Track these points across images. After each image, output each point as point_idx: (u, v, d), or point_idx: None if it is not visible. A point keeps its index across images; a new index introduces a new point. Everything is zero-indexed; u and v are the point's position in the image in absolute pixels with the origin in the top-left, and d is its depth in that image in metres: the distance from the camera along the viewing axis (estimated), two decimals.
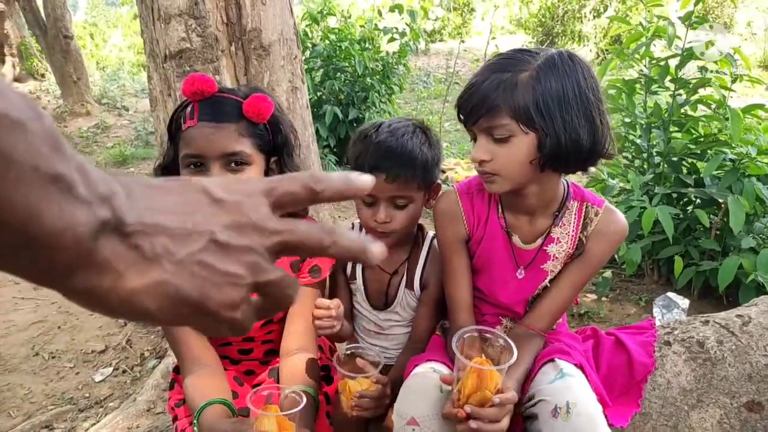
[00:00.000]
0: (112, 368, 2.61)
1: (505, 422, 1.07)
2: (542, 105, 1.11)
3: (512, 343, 1.10)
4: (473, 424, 1.04)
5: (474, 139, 1.21)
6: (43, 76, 9.03)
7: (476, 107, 1.15)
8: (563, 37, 11.06)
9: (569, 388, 1.13)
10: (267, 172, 1.28)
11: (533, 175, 1.19)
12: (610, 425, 1.26)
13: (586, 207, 1.31)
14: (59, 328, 2.94)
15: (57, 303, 3.16)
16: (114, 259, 0.35)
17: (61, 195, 0.32)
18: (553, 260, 1.32)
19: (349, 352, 1.29)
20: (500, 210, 1.34)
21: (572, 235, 1.31)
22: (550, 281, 1.34)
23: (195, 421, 1.20)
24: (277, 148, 1.28)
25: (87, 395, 2.43)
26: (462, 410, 1.04)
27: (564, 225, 1.31)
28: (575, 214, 1.31)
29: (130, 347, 2.75)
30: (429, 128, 1.42)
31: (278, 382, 1.39)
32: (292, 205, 0.44)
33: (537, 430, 1.15)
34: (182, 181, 0.41)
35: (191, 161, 1.19)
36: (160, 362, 2.52)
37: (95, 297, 0.36)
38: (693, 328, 1.57)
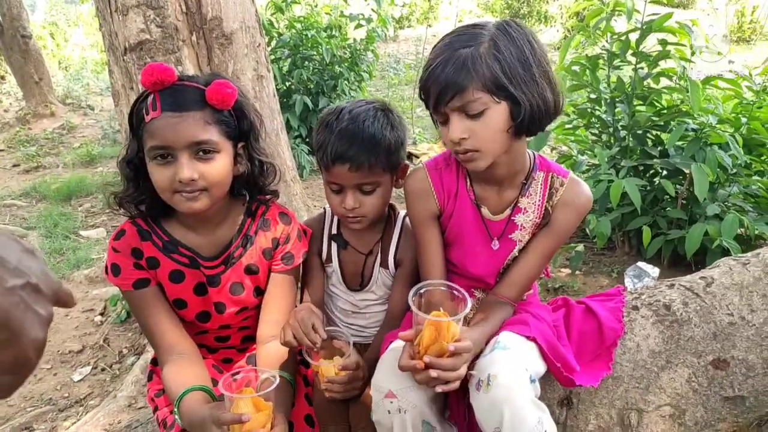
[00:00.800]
0: (90, 367, 2.58)
1: (462, 370, 1.11)
2: (509, 71, 1.14)
3: (466, 294, 1.14)
4: (433, 373, 1.07)
5: (443, 122, 1.22)
6: (2, 78, 8.78)
7: (445, 89, 1.15)
8: (530, 18, 11.12)
9: (494, 361, 1.16)
10: (235, 158, 1.28)
11: (509, 143, 1.22)
12: (579, 386, 1.30)
13: (552, 177, 1.34)
14: None
15: None
16: None
17: None
18: (521, 230, 1.36)
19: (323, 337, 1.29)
20: (469, 183, 1.36)
21: (539, 205, 1.34)
22: (519, 251, 1.37)
23: (175, 409, 1.20)
24: (243, 133, 1.28)
25: (66, 395, 2.40)
26: (421, 361, 1.08)
27: (530, 195, 1.34)
28: (541, 184, 1.34)
29: (108, 345, 2.72)
30: (391, 109, 1.42)
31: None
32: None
33: (469, 403, 1.20)
34: None
35: (158, 152, 1.17)
36: (138, 358, 2.50)
37: None
38: (659, 292, 1.61)
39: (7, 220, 4.48)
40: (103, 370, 2.57)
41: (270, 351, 1.33)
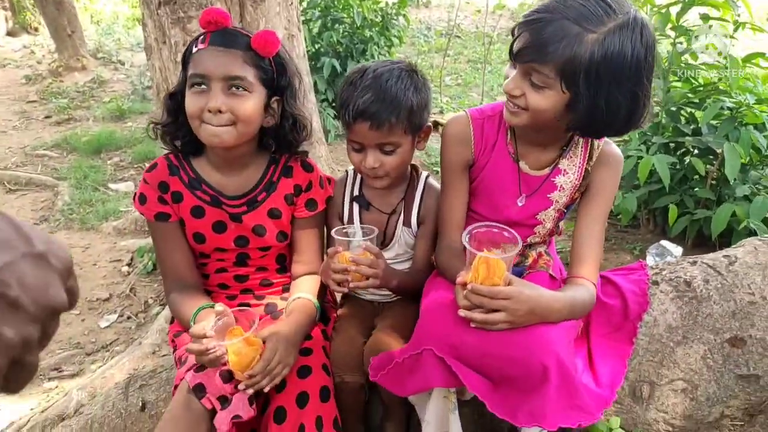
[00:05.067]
0: (117, 315, 2.68)
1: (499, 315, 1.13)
2: (593, 73, 1.10)
3: (516, 235, 1.17)
4: (479, 316, 1.13)
5: (513, 66, 1.21)
6: (36, 29, 8.86)
7: (529, 49, 1.12)
8: None
9: None
10: (267, 109, 1.34)
11: (555, 126, 1.22)
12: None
13: (592, 140, 1.34)
14: None
15: None
16: None
17: None
18: (559, 191, 1.36)
19: (345, 230, 1.39)
20: (509, 136, 1.36)
21: (579, 167, 1.35)
22: (564, 226, 1.39)
23: (192, 324, 1.29)
24: (279, 88, 1.35)
25: (93, 340, 2.51)
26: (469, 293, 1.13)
27: (572, 157, 1.35)
28: (582, 146, 1.35)
29: (134, 295, 2.82)
30: (416, 70, 1.42)
31: (274, 318, 1.45)
32: None
33: None
34: None
35: (196, 81, 1.26)
36: (163, 308, 2.58)
37: None
38: (681, 268, 1.61)
39: (39, 169, 4.60)
40: (128, 318, 2.66)
41: (304, 281, 1.46)
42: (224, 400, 1.22)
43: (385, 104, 1.32)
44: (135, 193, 1.42)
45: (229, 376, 1.22)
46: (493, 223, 1.23)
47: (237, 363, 1.16)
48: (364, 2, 5.14)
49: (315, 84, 4.63)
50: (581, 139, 1.34)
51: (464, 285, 1.15)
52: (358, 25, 5.03)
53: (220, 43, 1.26)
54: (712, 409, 1.47)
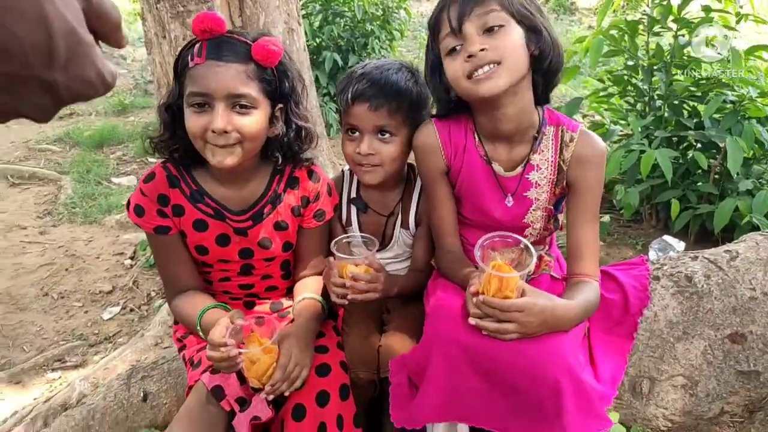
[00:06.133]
0: (119, 307, 2.69)
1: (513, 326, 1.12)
2: (527, 3, 1.19)
3: (530, 246, 1.15)
4: (491, 325, 1.12)
5: (453, 50, 1.21)
6: None
7: (466, 2, 1.17)
8: None
9: None
10: (271, 119, 1.28)
11: (525, 69, 1.21)
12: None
13: (562, 131, 1.32)
14: (66, 270, 3.01)
15: (64, 247, 3.23)
16: None
17: None
18: (536, 187, 1.34)
19: (346, 240, 1.38)
20: (477, 139, 1.35)
21: (551, 161, 1.32)
22: (564, 220, 1.37)
23: (198, 327, 1.29)
24: (283, 95, 1.28)
25: (96, 332, 2.52)
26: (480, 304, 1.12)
27: (542, 151, 1.32)
28: (552, 139, 1.32)
29: (137, 288, 2.83)
30: (417, 70, 1.42)
31: (281, 316, 1.45)
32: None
33: None
34: None
35: (196, 99, 1.18)
36: (165, 301, 2.59)
37: None
38: (682, 263, 1.60)
39: (42, 164, 4.61)
40: (131, 310, 2.67)
41: (308, 281, 1.45)
42: (243, 402, 1.22)
43: (384, 88, 1.33)
44: (128, 202, 1.33)
45: (244, 378, 1.21)
46: (506, 233, 1.21)
47: (254, 371, 1.16)
48: None
49: (316, 78, 4.63)
50: (551, 129, 1.31)
51: (476, 294, 1.13)
52: (359, 18, 5.02)
53: (218, 57, 1.17)
54: (712, 405, 1.48)
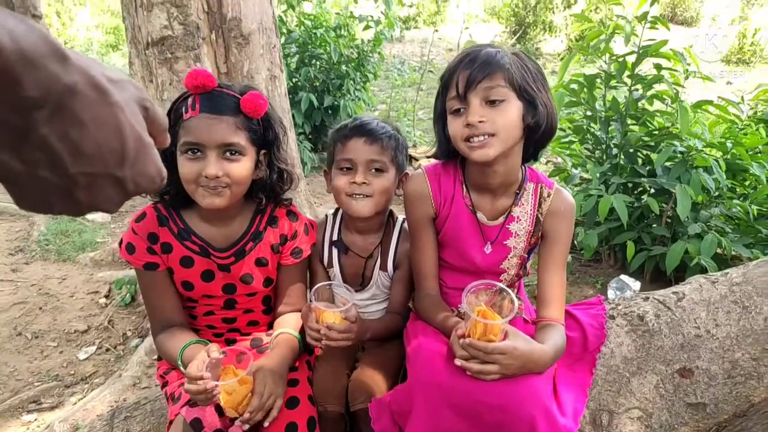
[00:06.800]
0: (95, 347, 2.69)
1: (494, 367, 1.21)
2: (530, 78, 1.31)
3: (513, 294, 1.26)
4: (475, 366, 1.21)
5: (456, 112, 1.33)
6: None
7: (476, 71, 1.28)
8: (535, 28, 11.24)
9: None
10: (257, 164, 1.41)
11: (518, 140, 1.35)
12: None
13: (541, 188, 1.47)
14: (40, 309, 3.00)
15: (37, 285, 3.22)
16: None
17: None
18: (515, 237, 1.48)
19: (327, 286, 1.50)
20: (465, 190, 1.48)
21: (531, 214, 1.47)
22: (535, 267, 1.48)
23: (179, 362, 1.36)
24: (267, 142, 1.42)
25: (72, 372, 2.51)
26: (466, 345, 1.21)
27: (523, 204, 1.47)
28: (532, 194, 1.47)
29: (113, 327, 2.84)
30: (396, 127, 1.61)
31: (260, 351, 1.53)
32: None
33: None
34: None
35: (190, 147, 1.31)
36: (143, 341, 2.61)
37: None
38: (635, 303, 1.75)
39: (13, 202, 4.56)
40: (107, 350, 2.68)
41: (287, 317, 1.54)
42: None
43: (377, 129, 1.50)
44: (121, 241, 1.44)
45: (222, 410, 1.28)
46: (491, 282, 1.31)
47: (230, 401, 1.23)
48: (340, 39, 5.32)
49: (292, 117, 4.76)
50: (531, 186, 1.46)
51: (462, 336, 1.23)
52: (335, 61, 5.21)
53: (211, 110, 1.29)
54: None
